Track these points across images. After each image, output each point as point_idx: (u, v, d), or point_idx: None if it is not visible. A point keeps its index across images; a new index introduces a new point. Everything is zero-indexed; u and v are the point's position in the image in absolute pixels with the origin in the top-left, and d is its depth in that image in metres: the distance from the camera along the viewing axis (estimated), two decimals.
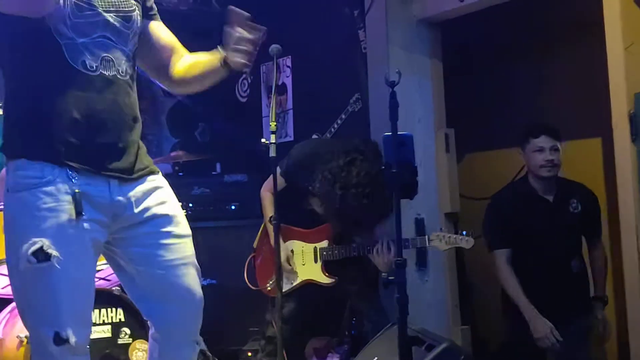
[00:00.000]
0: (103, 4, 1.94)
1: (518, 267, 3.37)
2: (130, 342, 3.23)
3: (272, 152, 2.92)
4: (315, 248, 3.44)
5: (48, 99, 1.88)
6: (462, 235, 3.15)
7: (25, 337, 3.10)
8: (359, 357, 3.13)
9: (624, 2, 3.12)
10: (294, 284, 3.46)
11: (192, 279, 2.04)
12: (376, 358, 2.90)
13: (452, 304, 3.93)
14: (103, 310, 3.24)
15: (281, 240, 3.28)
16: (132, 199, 1.96)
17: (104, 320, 3.24)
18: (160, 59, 2.17)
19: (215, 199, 4.41)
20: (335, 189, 3.12)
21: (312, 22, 4.45)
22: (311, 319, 3.70)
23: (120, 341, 3.26)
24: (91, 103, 1.89)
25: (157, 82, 2.25)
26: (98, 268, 3.41)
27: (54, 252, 1.81)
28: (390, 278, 2.03)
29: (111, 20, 1.94)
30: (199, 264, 2.09)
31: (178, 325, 2.05)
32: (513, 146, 4.32)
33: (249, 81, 5.06)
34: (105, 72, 1.92)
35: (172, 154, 4.27)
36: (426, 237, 3.21)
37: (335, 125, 4.31)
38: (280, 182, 3.23)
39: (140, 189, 1.98)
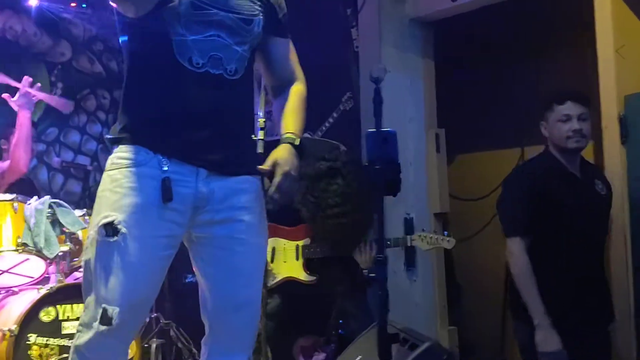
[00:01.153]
0: (223, 4, 1.95)
1: (540, 258, 2.75)
2: None
3: (260, 149, 2.92)
4: (297, 246, 3.45)
5: (152, 92, 1.93)
6: (444, 235, 3.17)
7: (9, 330, 3.10)
8: (342, 356, 3.12)
9: (615, 4, 3.12)
10: (275, 280, 3.47)
11: (254, 290, 2.03)
12: (360, 357, 2.90)
13: (440, 305, 3.92)
14: None
15: None
16: (216, 195, 1.94)
17: None
18: (275, 76, 2.19)
19: None
20: (317, 211, 3.15)
21: (306, 20, 4.43)
22: (297, 317, 3.69)
23: None
24: (191, 98, 1.91)
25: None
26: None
27: (123, 228, 1.82)
28: (371, 275, 2.01)
29: (228, 20, 1.95)
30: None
31: (233, 334, 2.03)
32: (505, 147, 4.34)
33: None
34: (212, 70, 1.92)
35: None
36: (409, 237, 3.22)
37: (327, 124, 4.30)
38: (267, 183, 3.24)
39: (228, 185, 1.96)
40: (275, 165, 1.98)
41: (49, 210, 3.45)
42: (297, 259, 3.45)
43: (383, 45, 3.82)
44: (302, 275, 3.44)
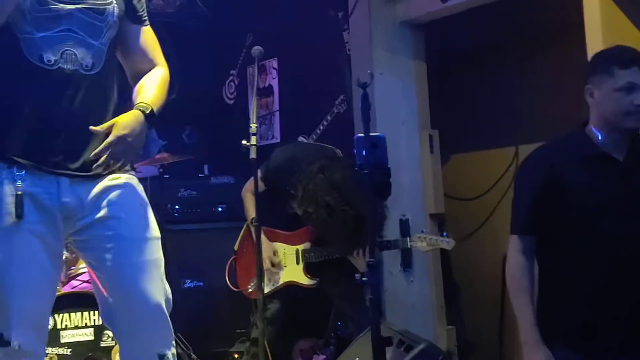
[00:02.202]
0: None
1: (555, 264, 2.29)
2: (112, 344, 3.23)
3: (253, 154, 2.93)
4: (297, 250, 3.46)
5: (1, 94, 1.83)
6: (443, 236, 3.17)
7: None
8: (341, 358, 3.14)
9: (604, 3, 3.13)
10: (276, 285, 3.48)
11: (143, 284, 1.91)
12: (357, 359, 2.91)
13: (438, 305, 3.93)
14: (85, 313, 3.24)
15: (263, 242, 3.30)
16: (85, 200, 1.88)
17: (86, 324, 3.24)
18: (135, 66, 2.09)
19: (202, 201, 4.41)
20: (315, 208, 3.16)
21: (298, 24, 4.46)
22: (296, 320, 3.71)
23: (102, 344, 3.26)
24: (44, 98, 1.82)
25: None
26: (80, 271, 3.45)
27: (1, 256, 1.77)
28: (363, 279, 2.02)
29: (78, 13, 1.87)
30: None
31: (131, 337, 1.94)
32: (499, 146, 4.35)
33: (236, 83, 5.08)
34: (65, 67, 1.84)
35: (158, 156, 4.27)
36: (407, 238, 3.23)
37: (321, 127, 4.32)
38: (260, 185, 3.25)
39: (95, 189, 1.90)
40: (112, 126, 1.84)
41: None
42: (298, 263, 3.46)
43: (374, 48, 3.83)
44: (303, 279, 3.45)
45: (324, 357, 3.79)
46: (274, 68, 4.71)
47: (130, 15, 2.03)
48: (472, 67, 4.31)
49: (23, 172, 1.81)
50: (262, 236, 3.27)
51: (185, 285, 4.26)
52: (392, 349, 2.66)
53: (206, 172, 4.74)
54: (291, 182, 3.27)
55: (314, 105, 4.38)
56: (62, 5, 1.85)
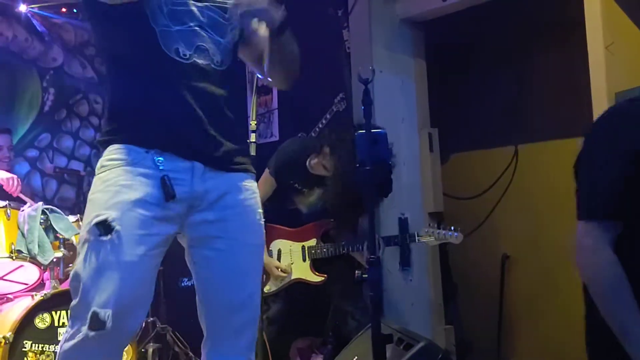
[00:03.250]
0: None
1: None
2: None
3: (252, 152, 2.92)
4: (303, 247, 3.46)
5: (139, 85, 1.87)
6: (452, 231, 3.16)
7: (4, 337, 3.09)
8: (339, 357, 3.12)
9: (605, 1, 3.13)
10: (283, 282, 3.47)
11: (250, 291, 1.96)
12: (356, 357, 2.90)
13: (436, 304, 3.93)
14: None
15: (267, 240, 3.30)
16: (210, 194, 1.89)
17: None
18: (254, 55, 2.08)
19: None
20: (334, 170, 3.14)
21: (297, 21, 4.43)
22: (295, 318, 3.70)
23: None
24: (181, 89, 1.86)
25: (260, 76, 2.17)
26: None
27: (117, 226, 1.76)
28: (363, 276, 2.01)
29: (208, 10, 1.92)
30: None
31: (230, 337, 1.96)
32: (498, 146, 4.34)
33: None
34: (199, 61, 1.88)
35: None
36: (415, 233, 3.22)
37: (320, 125, 4.31)
38: (271, 182, 3.26)
39: (222, 184, 1.92)
40: None
41: (42, 216, 3.45)
42: (304, 260, 3.46)
43: (374, 46, 3.82)
44: (310, 276, 3.45)
45: (321, 356, 3.78)
46: None
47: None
48: (472, 65, 4.30)
49: (162, 158, 1.83)
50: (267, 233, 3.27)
51: (182, 284, 4.25)
52: (392, 347, 2.65)
53: None
54: (302, 173, 3.27)
55: (313, 104, 4.36)
56: (194, 1, 1.91)
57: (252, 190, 2.00)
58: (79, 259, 1.81)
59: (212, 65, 1.91)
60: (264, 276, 3.05)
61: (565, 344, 3.70)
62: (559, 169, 3.97)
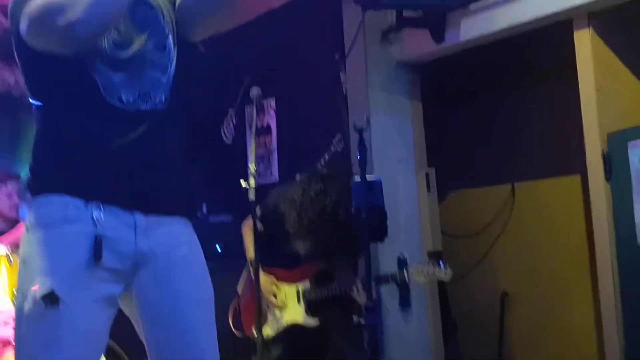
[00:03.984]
0: (137, 37, 1.85)
1: None
2: None
3: (252, 196, 2.95)
4: (297, 290, 3.46)
5: (79, 131, 1.80)
6: (441, 267, 3.17)
7: None
8: None
9: (595, 43, 3.20)
10: (279, 327, 3.47)
11: (196, 346, 1.87)
12: None
13: (436, 342, 3.92)
14: None
15: (264, 282, 3.31)
16: (156, 251, 1.83)
17: None
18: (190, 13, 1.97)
19: (200, 240, 4.40)
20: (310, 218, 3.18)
21: (296, 64, 4.53)
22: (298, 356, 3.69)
23: None
24: (123, 136, 1.80)
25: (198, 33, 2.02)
26: None
27: (62, 295, 1.68)
28: (361, 321, 2.04)
29: (148, 51, 1.86)
30: None
31: None
32: (495, 184, 4.39)
33: (234, 122, 5.12)
34: (142, 106, 1.84)
35: None
36: (405, 271, 3.23)
37: (319, 166, 4.35)
38: (259, 226, 3.28)
39: (165, 236, 1.85)
40: None
41: None
42: (299, 302, 3.46)
43: (370, 88, 3.88)
44: (304, 319, 3.43)
45: None
46: (272, 107, 4.76)
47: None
48: (468, 104, 4.38)
49: (101, 213, 1.76)
50: (263, 276, 3.28)
51: None
52: None
53: (204, 210, 4.76)
54: (287, 221, 3.30)
55: (312, 144, 4.41)
56: (133, 46, 1.84)
57: (194, 240, 1.94)
58: (22, 332, 1.74)
59: (156, 107, 1.86)
60: (263, 318, 3.05)
61: None
62: (556, 206, 4.05)
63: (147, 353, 1.91)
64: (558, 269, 4.00)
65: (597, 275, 3.18)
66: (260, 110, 4.73)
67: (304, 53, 4.47)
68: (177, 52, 1.93)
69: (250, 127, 4.76)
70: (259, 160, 4.78)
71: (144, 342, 1.90)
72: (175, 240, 1.87)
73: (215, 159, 5.20)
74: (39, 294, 1.67)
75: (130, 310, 1.90)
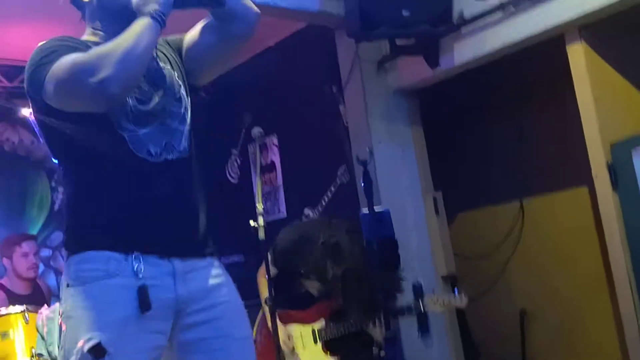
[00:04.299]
0: (156, 92, 1.92)
1: None
2: None
3: (261, 235, 2.96)
4: (312, 330, 3.44)
5: (110, 188, 1.86)
6: (455, 295, 3.16)
7: None
8: None
9: (589, 56, 3.22)
10: None
11: None
12: None
13: None
14: None
15: (280, 325, 3.30)
16: (194, 294, 1.86)
17: None
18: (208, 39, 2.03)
19: None
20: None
21: (295, 100, 4.57)
22: None
23: None
24: (154, 188, 1.86)
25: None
26: None
27: (110, 348, 1.71)
28: (381, 353, 2.03)
29: (168, 105, 1.93)
30: None
31: None
32: (503, 202, 4.38)
33: (239, 162, 5.15)
34: (169, 157, 1.89)
35: None
36: (420, 302, 3.22)
37: (326, 199, 4.36)
38: (273, 271, 3.29)
39: (202, 280, 1.89)
40: None
41: (60, 316, 3.48)
42: (316, 342, 3.43)
43: (370, 118, 3.91)
44: (323, 359, 3.41)
45: None
46: (274, 144, 4.79)
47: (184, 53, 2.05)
48: (469, 124, 4.38)
49: (141, 265, 1.80)
50: (277, 321, 3.27)
51: None
52: None
53: None
54: (299, 262, 3.30)
55: (317, 178, 4.44)
56: (153, 100, 1.91)
57: (229, 280, 1.97)
58: None
59: (180, 155, 1.92)
60: None
61: None
62: (566, 220, 4.03)
63: None
64: (574, 282, 3.97)
65: (614, 284, 3.16)
66: (264, 147, 4.77)
67: (301, 88, 4.51)
68: (190, 100, 2.00)
69: (255, 166, 4.80)
70: (265, 197, 4.80)
71: None
72: (210, 282, 1.90)
73: (222, 201, 5.22)
74: (86, 348, 1.69)
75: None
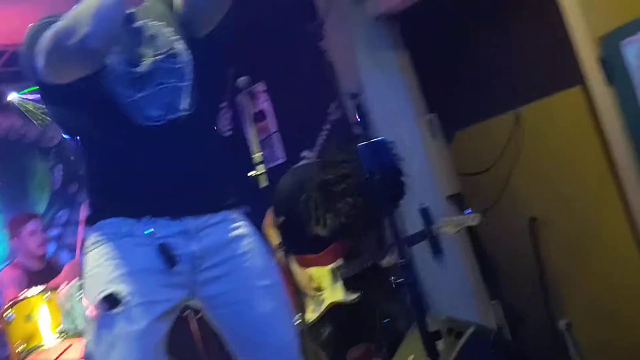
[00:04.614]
0: (149, 51, 1.92)
1: None
2: None
3: (264, 182, 2.97)
4: (330, 270, 3.47)
5: (116, 158, 1.90)
6: (467, 213, 3.17)
7: None
8: (395, 358, 3.15)
9: None
10: (322, 309, 3.49)
11: (281, 333, 1.98)
12: (412, 356, 2.93)
13: (477, 282, 3.94)
14: None
15: (299, 268, 3.34)
16: (210, 249, 1.90)
17: None
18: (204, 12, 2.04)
19: None
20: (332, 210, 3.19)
21: (277, 44, 4.50)
22: (345, 332, 3.72)
23: None
24: (159, 151, 1.88)
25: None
26: None
27: (124, 298, 1.78)
28: (399, 281, 2.04)
29: (160, 63, 1.92)
30: None
31: None
32: (497, 114, 4.35)
33: (230, 115, 5.11)
34: (171, 116, 1.89)
35: None
36: (433, 226, 3.23)
37: (321, 138, 4.34)
38: (279, 219, 3.31)
39: (218, 234, 1.91)
40: None
41: (80, 291, 3.52)
42: (335, 282, 3.47)
43: (355, 49, 3.86)
44: (344, 296, 3.46)
45: (380, 359, 3.80)
46: (263, 91, 4.74)
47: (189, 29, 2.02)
48: (454, 40, 4.30)
49: (154, 225, 1.85)
50: (295, 264, 3.30)
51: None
52: (443, 339, 2.67)
53: None
54: (302, 207, 3.32)
55: (310, 118, 4.40)
56: (147, 62, 1.91)
57: (250, 230, 1.99)
58: (90, 337, 1.83)
59: (183, 114, 1.91)
60: (300, 305, 3.07)
61: (613, 292, 3.71)
62: (563, 121, 4.00)
63: (231, 350, 1.98)
64: (580, 184, 3.96)
65: (621, 180, 3.16)
66: (252, 96, 4.72)
67: (280, 31, 4.44)
68: (193, 53, 1.98)
69: (246, 115, 4.77)
70: (262, 145, 4.77)
71: (224, 342, 1.98)
72: (228, 236, 1.93)
73: (219, 155, 5.20)
74: (99, 297, 1.78)
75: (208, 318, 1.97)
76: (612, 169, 3.58)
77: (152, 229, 1.84)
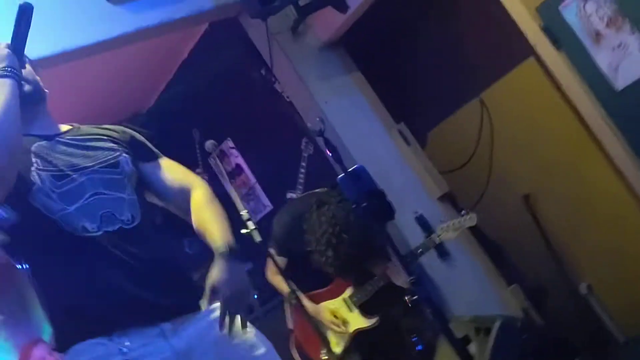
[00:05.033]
0: (82, 162, 1.87)
1: None
2: None
3: (257, 237, 2.95)
4: (343, 300, 3.46)
5: (67, 279, 1.82)
6: (463, 215, 3.19)
7: None
8: None
9: None
10: (346, 340, 3.47)
11: None
12: None
13: (489, 271, 3.93)
14: None
15: (316, 308, 3.34)
16: (194, 344, 1.83)
17: None
18: (174, 201, 2.04)
19: None
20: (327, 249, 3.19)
21: (233, 98, 4.54)
22: (374, 355, 3.69)
23: None
24: (105, 262, 1.80)
25: None
26: None
27: None
28: (414, 298, 2.04)
29: (96, 174, 1.87)
30: None
31: None
32: (461, 105, 4.38)
33: (206, 178, 5.10)
34: (109, 229, 1.83)
35: None
36: (433, 235, 3.25)
37: (302, 176, 4.36)
38: (282, 261, 3.30)
39: (196, 329, 1.85)
40: (213, 291, 1.82)
41: None
42: (352, 310, 3.46)
43: (308, 83, 3.89)
44: (365, 322, 3.44)
45: None
46: (231, 147, 4.77)
47: (141, 156, 2.02)
48: (404, 48, 4.34)
49: (127, 339, 1.78)
50: (309, 303, 3.29)
51: None
52: (474, 340, 2.67)
53: None
54: (302, 241, 3.31)
55: (285, 160, 4.42)
56: (78, 173, 1.86)
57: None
58: None
59: (124, 227, 1.85)
60: (324, 340, 3.06)
61: (622, 242, 3.71)
62: (527, 95, 4.02)
63: None
64: (559, 147, 3.98)
65: (596, 134, 3.18)
66: (224, 155, 4.74)
67: (232, 84, 4.47)
68: (138, 168, 1.96)
69: (222, 176, 4.77)
70: (246, 199, 4.78)
71: None
72: (203, 326, 1.86)
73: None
74: None
75: None
76: (586, 128, 3.61)
77: (128, 342, 1.77)
